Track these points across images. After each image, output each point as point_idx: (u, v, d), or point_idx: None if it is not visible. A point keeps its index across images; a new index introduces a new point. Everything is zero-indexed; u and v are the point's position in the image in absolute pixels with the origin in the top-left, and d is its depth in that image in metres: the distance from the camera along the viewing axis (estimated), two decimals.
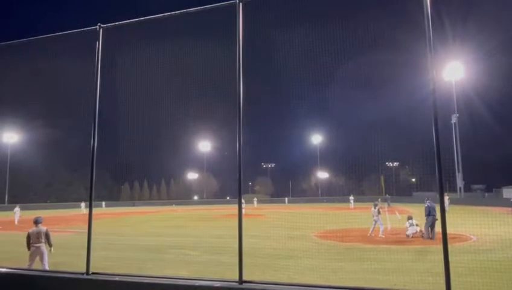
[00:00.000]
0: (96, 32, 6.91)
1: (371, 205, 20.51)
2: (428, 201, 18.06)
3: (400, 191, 73.89)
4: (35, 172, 68.38)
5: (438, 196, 4.96)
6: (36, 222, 10.48)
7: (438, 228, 16.86)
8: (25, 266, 9.73)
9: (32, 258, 10.15)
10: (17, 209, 32.93)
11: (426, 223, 17.45)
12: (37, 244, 10.17)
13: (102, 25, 6.93)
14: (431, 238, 16.88)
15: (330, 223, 22.96)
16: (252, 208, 55.29)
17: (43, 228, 10.42)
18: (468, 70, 56.56)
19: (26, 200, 57.81)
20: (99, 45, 6.89)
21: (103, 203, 64.63)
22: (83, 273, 6.18)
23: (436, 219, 16.93)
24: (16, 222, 30.89)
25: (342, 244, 16.49)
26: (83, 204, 47.36)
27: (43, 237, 10.27)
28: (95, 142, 6.70)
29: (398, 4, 7.14)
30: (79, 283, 6.05)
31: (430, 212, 17.42)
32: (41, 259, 10.16)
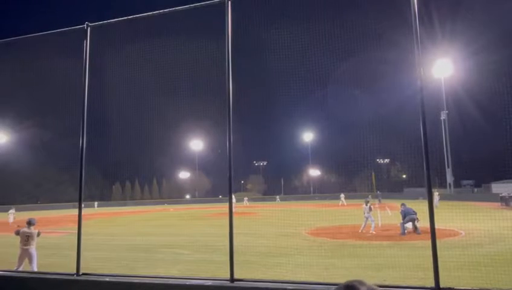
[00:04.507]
0: (84, 31, 6.85)
1: (362, 202, 20.66)
2: (403, 206, 18.55)
3: (391, 188, 74.46)
4: (25, 172, 67.46)
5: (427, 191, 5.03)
6: (29, 223, 10.36)
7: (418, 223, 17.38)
8: (14, 267, 9.64)
9: (20, 260, 10.04)
10: (11, 211, 32.59)
11: (403, 222, 17.79)
12: (26, 247, 10.05)
13: (90, 24, 6.87)
14: (403, 234, 17.44)
15: (322, 221, 23.08)
16: (244, 206, 55.33)
17: (34, 230, 10.31)
18: (457, 68, 57.10)
19: (14, 202, 57.01)
20: (87, 44, 6.83)
21: (95, 203, 64.13)
22: (73, 274, 6.14)
23: (417, 219, 17.47)
24: (12, 222, 30.52)
25: (333, 241, 16.58)
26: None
27: (33, 239, 10.16)
28: (83, 141, 6.66)
29: (387, 1, 7.19)
30: (69, 284, 6.01)
31: (405, 216, 17.93)
32: (30, 261, 10.05)
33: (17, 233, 10.30)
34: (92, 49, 6.88)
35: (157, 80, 9.15)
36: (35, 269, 9.83)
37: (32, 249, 10.12)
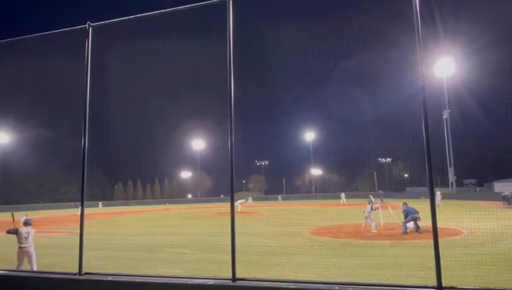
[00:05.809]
0: (86, 31, 6.86)
1: (364, 201, 20.72)
2: (405, 205, 18.55)
3: (393, 187, 74.43)
4: (27, 173, 67.64)
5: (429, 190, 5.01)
6: (26, 223, 10.48)
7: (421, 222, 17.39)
8: (15, 267, 9.68)
9: (20, 259, 10.11)
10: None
11: (405, 221, 17.79)
12: (24, 245, 10.12)
13: (91, 24, 6.88)
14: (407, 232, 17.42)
15: (324, 220, 23.04)
16: (248, 205, 55.38)
17: (31, 229, 10.40)
18: (459, 66, 56.93)
19: (17, 201, 57.16)
20: (88, 44, 6.84)
21: (100, 203, 64.43)
22: (75, 274, 6.15)
23: (419, 218, 17.45)
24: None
25: (335, 240, 16.57)
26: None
27: (31, 239, 10.24)
28: (85, 141, 6.67)
29: (389, 0, 7.17)
30: (71, 283, 6.02)
31: (407, 215, 17.91)
32: (30, 261, 10.12)
33: (14, 232, 10.32)
34: (94, 49, 6.89)
35: (159, 80, 9.16)
36: (35, 268, 9.89)
37: (31, 248, 10.20)
